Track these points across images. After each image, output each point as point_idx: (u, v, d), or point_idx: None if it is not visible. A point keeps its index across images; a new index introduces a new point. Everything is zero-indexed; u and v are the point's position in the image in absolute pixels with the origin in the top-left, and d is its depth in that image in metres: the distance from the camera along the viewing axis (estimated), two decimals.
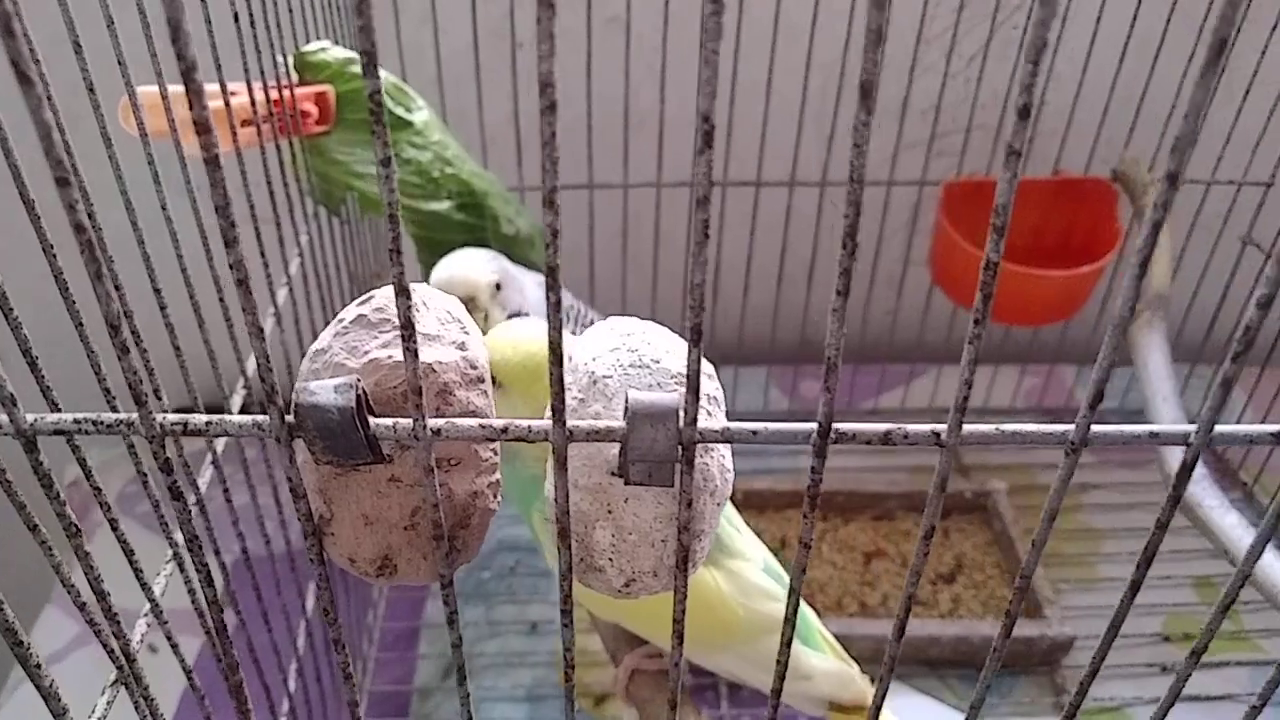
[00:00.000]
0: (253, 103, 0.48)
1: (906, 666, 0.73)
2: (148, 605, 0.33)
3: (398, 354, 0.24)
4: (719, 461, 0.25)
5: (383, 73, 0.59)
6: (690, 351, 0.22)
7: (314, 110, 0.55)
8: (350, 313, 0.25)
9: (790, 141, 0.79)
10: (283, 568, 0.49)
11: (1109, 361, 0.22)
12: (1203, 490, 0.66)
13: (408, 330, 0.21)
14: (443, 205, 0.60)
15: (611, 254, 0.85)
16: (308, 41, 0.57)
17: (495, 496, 0.26)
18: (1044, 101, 0.82)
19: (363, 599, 0.77)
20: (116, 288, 0.33)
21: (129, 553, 0.31)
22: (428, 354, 0.24)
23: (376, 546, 0.25)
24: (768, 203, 0.83)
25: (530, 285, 0.58)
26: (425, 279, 0.64)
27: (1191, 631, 0.76)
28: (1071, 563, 0.81)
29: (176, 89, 0.48)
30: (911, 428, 0.23)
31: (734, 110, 0.77)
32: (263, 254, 0.47)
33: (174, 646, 0.34)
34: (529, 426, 0.23)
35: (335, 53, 0.57)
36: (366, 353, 0.24)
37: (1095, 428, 0.23)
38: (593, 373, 0.25)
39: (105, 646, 0.28)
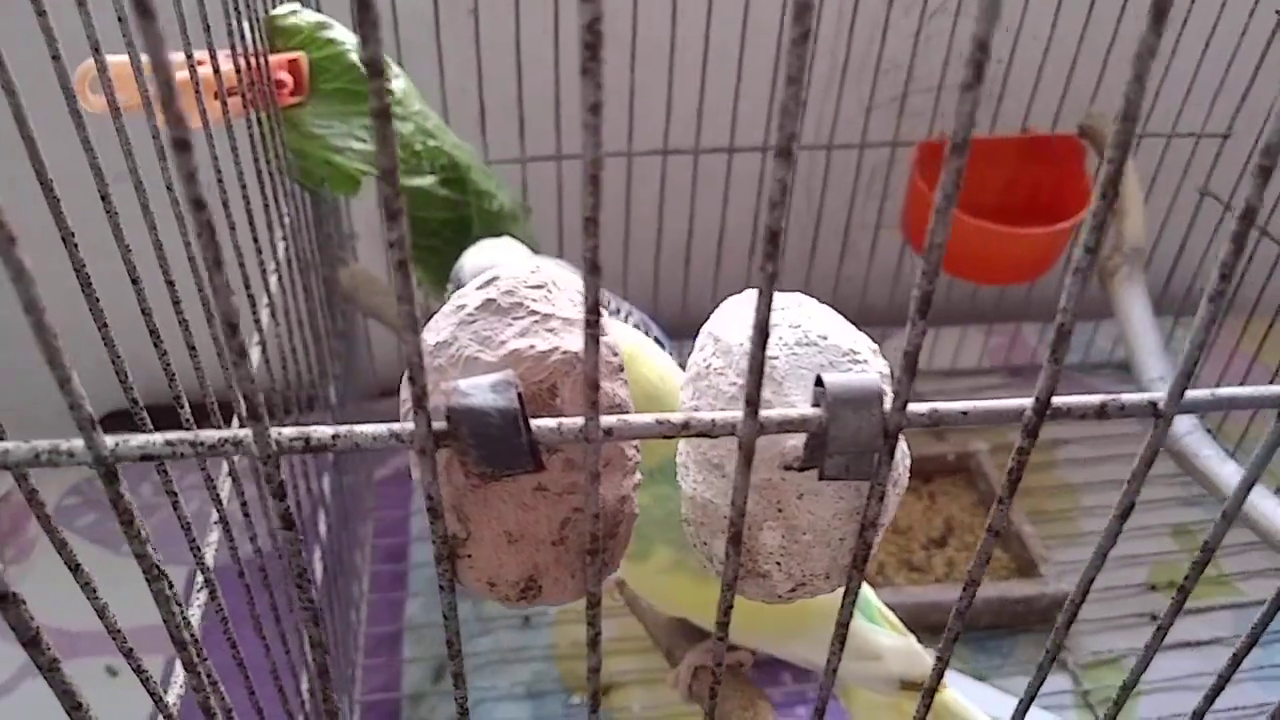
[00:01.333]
0: (217, 72, 0.43)
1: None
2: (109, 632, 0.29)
3: (540, 343, 0.21)
4: (902, 447, 0.22)
5: (355, 37, 0.55)
6: (915, 320, 0.19)
7: (288, 79, 0.50)
8: (473, 298, 0.21)
9: (765, 110, 0.77)
10: (275, 571, 0.45)
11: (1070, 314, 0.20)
12: (1197, 441, 0.67)
13: (594, 314, 0.17)
14: (426, 180, 0.56)
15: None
16: (276, 5, 0.52)
17: (637, 500, 0.23)
18: (1012, 59, 0.81)
19: (345, 601, 0.72)
20: (88, 287, 0.28)
21: (81, 576, 0.26)
22: (570, 341, 0.21)
23: (521, 566, 0.21)
24: (741, 167, 0.80)
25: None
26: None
27: (1175, 579, 0.77)
28: (1056, 519, 0.82)
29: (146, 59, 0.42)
30: (1127, 398, 0.21)
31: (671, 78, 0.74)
32: (255, 239, 0.42)
33: (146, 679, 0.30)
34: (713, 420, 0.19)
35: (307, 16, 0.52)
36: (503, 343, 0.21)
37: (1057, 400, 0.21)
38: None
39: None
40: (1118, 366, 0.98)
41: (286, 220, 0.49)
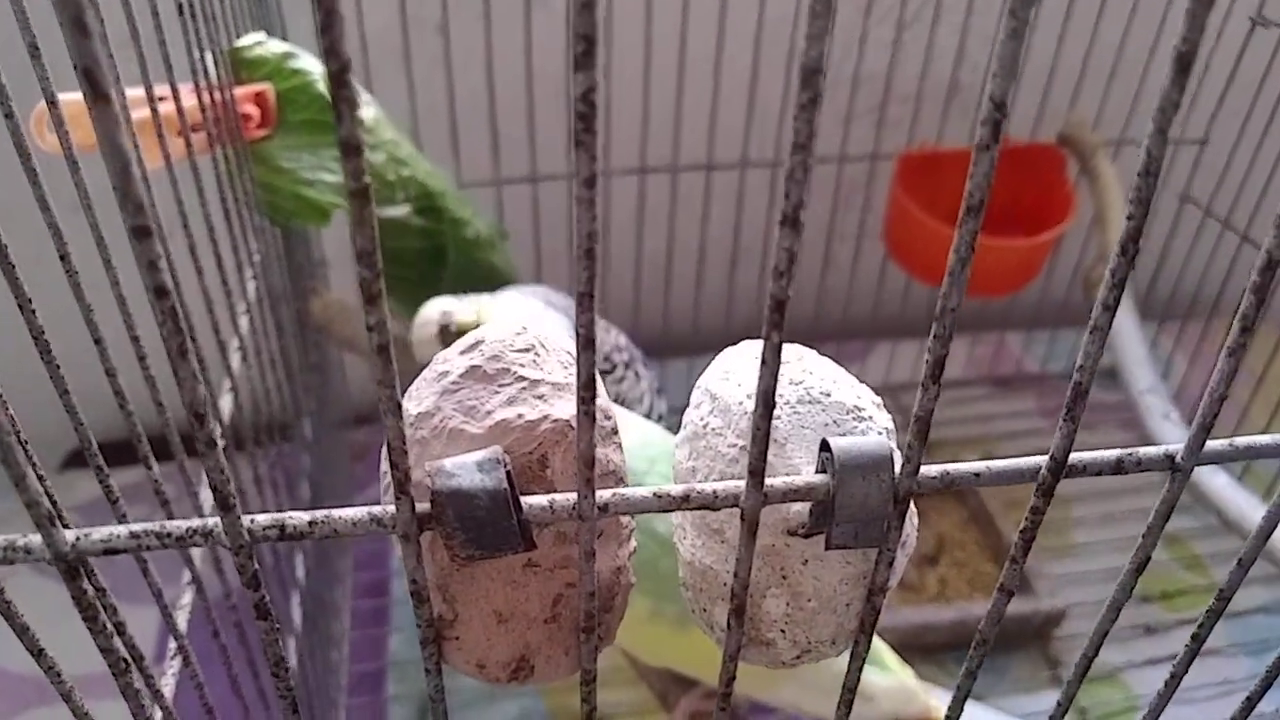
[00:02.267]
0: (180, 111, 0.41)
1: (904, 655, 0.71)
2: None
3: (528, 412, 0.20)
4: (911, 508, 0.21)
5: (318, 65, 0.53)
6: (927, 387, 0.18)
7: (255, 112, 0.49)
8: (456, 364, 0.20)
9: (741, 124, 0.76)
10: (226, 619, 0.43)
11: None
12: (1208, 469, 0.66)
13: (588, 391, 0.16)
14: (400, 210, 0.55)
15: (560, 245, 0.80)
16: (239, 36, 0.50)
17: (632, 569, 0.22)
18: (989, 67, 0.80)
19: (325, 640, 0.71)
20: (39, 334, 0.27)
21: (56, 678, 0.25)
22: (560, 408, 0.20)
23: (512, 647, 0.20)
24: (720, 186, 0.79)
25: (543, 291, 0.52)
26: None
27: (1169, 589, 0.77)
28: (1046, 529, 0.81)
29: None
30: (1144, 452, 0.20)
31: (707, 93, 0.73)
32: (224, 281, 0.41)
33: None
34: (714, 493, 0.18)
35: (273, 46, 0.50)
36: (489, 413, 0.19)
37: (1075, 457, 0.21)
38: (750, 413, 0.21)
39: None
40: (1105, 374, 0.98)
41: (256, 258, 0.47)
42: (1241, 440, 0.21)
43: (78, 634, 0.22)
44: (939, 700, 0.50)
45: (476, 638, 0.20)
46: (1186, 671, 0.25)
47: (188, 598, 0.33)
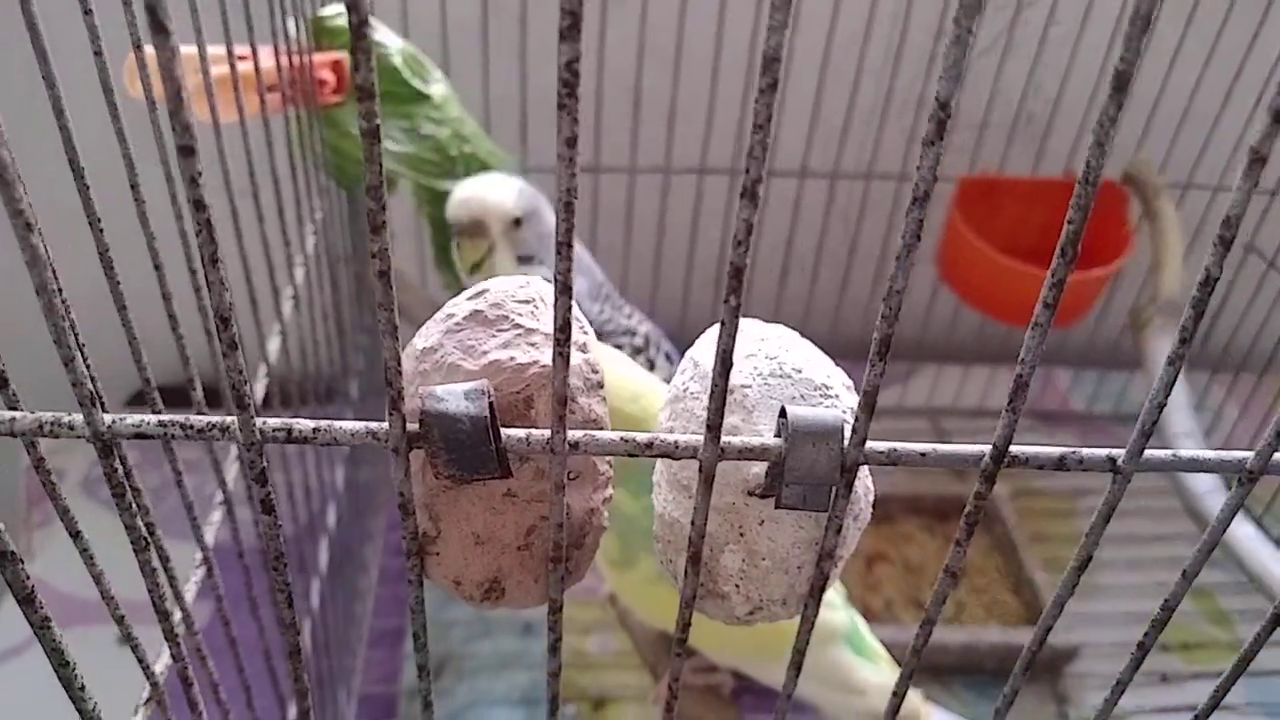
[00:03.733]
0: (257, 70, 0.44)
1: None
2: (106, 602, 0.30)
3: (520, 355, 0.22)
4: (865, 481, 0.23)
5: (401, 42, 0.56)
6: (873, 363, 0.19)
7: (330, 78, 0.51)
8: (462, 307, 0.22)
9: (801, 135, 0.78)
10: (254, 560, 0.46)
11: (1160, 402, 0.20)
12: (1217, 503, 0.66)
13: (564, 333, 0.18)
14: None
15: (614, 238, 0.83)
16: (323, 5, 0.53)
17: (607, 513, 0.24)
18: (1059, 100, 0.81)
19: (350, 592, 0.74)
20: (110, 270, 0.29)
21: (88, 558, 0.28)
22: (550, 356, 0.22)
23: (486, 568, 0.22)
24: (841, 194, 0.81)
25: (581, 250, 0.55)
26: (437, 261, 0.61)
27: (1189, 641, 0.76)
28: (1058, 570, 0.81)
29: (189, 49, 0.44)
30: (1086, 452, 0.21)
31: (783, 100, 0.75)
32: (284, 232, 0.44)
33: (141, 659, 0.31)
34: (675, 442, 0.20)
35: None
36: (485, 353, 0.21)
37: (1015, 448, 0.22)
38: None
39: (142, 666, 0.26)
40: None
41: (318, 215, 0.50)
42: (1185, 452, 0.22)
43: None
44: (933, 711, 0.51)
45: (455, 556, 0.22)
46: None
47: (217, 516, 0.36)
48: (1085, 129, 0.80)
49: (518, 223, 0.51)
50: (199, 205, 0.17)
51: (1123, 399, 0.96)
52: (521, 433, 0.20)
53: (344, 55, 0.53)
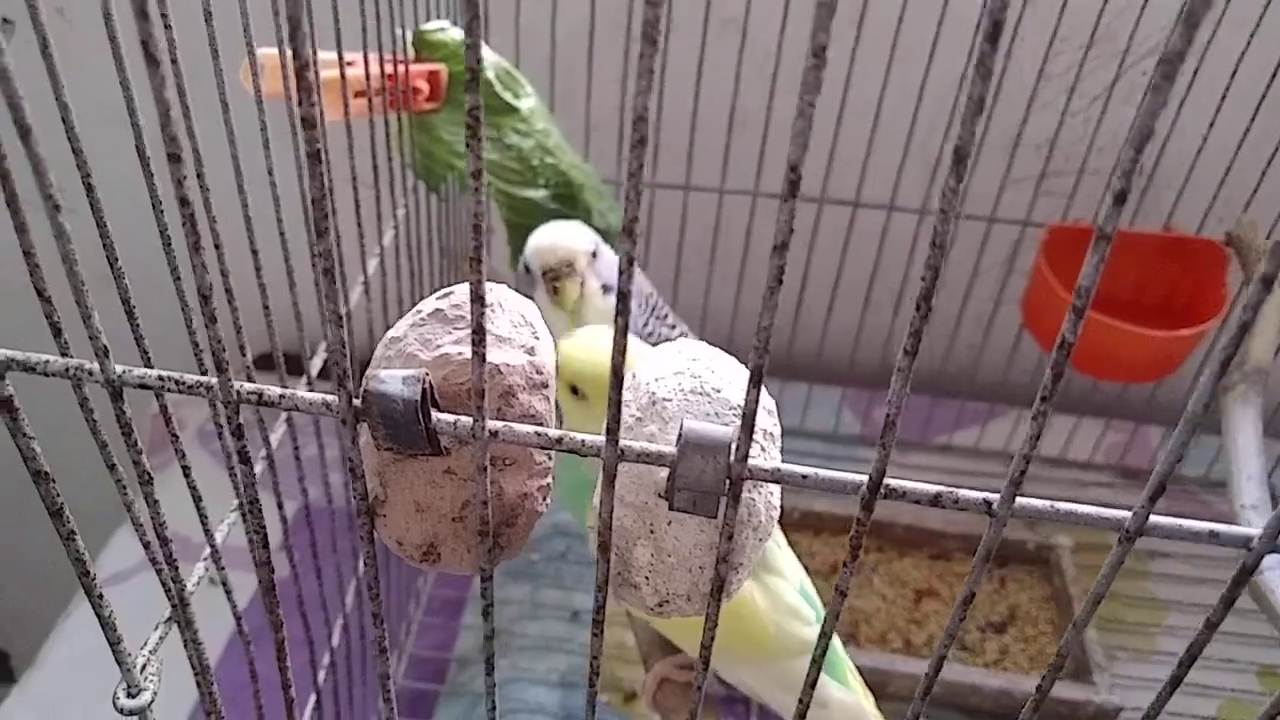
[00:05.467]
0: (367, 75, 0.49)
1: (945, 712, 0.72)
2: (208, 545, 0.35)
3: (469, 351, 0.25)
4: (766, 498, 0.25)
5: (494, 56, 0.61)
6: (749, 391, 0.22)
7: (425, 87, 0.56)
8: (429, 305, 0.26)
9: (894, 165, 0.78)
10: (342, 520, 0.51)
11: (1176, 457, 0.22)
12: (1277, 578, 0.64)
13: (478, 335, 0.21)
14: (538, 193, 0.61)
15: (701, 257, 0.85)
16: (429, 19, 0.58)
17: (544, 499, 0.26)
18: (1162, 153, 0.79)
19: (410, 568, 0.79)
20: (216, 246, 0.34)
21: (197, 499, 0.33)
22: (496, 355, 0.25)
23: (424, 533, 0.25)
24: (863, 224, 0.82)
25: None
26: (513, 262, 0.65)
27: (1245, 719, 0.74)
28: (1130, 630, 0.79)
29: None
30: (963, 493, 0.23)
31: (840, 128, 0.76)
32: (359, 224, 0.48)
33: (228, 592, 0.36)
34: (582, 440, 0.23)
35: (454, 33, 0.58)
36: (439, 347, 0.25)
37: (1154, 519, 0.23)
38: (653, 393, 0.25)
39: (164, 586, 0.30)
40: (1220, 484, 0.93)
41: (400, 211, 0.55)
42: (1063, 505, 0.23)
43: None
44: None
45: (398, 519, 0.25)
46: None
47: (260, 468, 0.41)
48: (1188, 186, 0.78)
49: (594, 255, 0.54)
50: (184, 201, 0.21)
51: (1214, 465, 0.92)
52: (450, 418, 0.23)
53: (441, 66, 0.57)
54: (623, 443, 0.23)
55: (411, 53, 0.57)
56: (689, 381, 0.25)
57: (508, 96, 0.60)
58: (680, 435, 0.23)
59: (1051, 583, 0.80)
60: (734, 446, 0.23)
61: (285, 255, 0.40)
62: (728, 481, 0.23)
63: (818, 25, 0.17)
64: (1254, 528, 0.70)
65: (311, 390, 0.25)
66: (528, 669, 0.73)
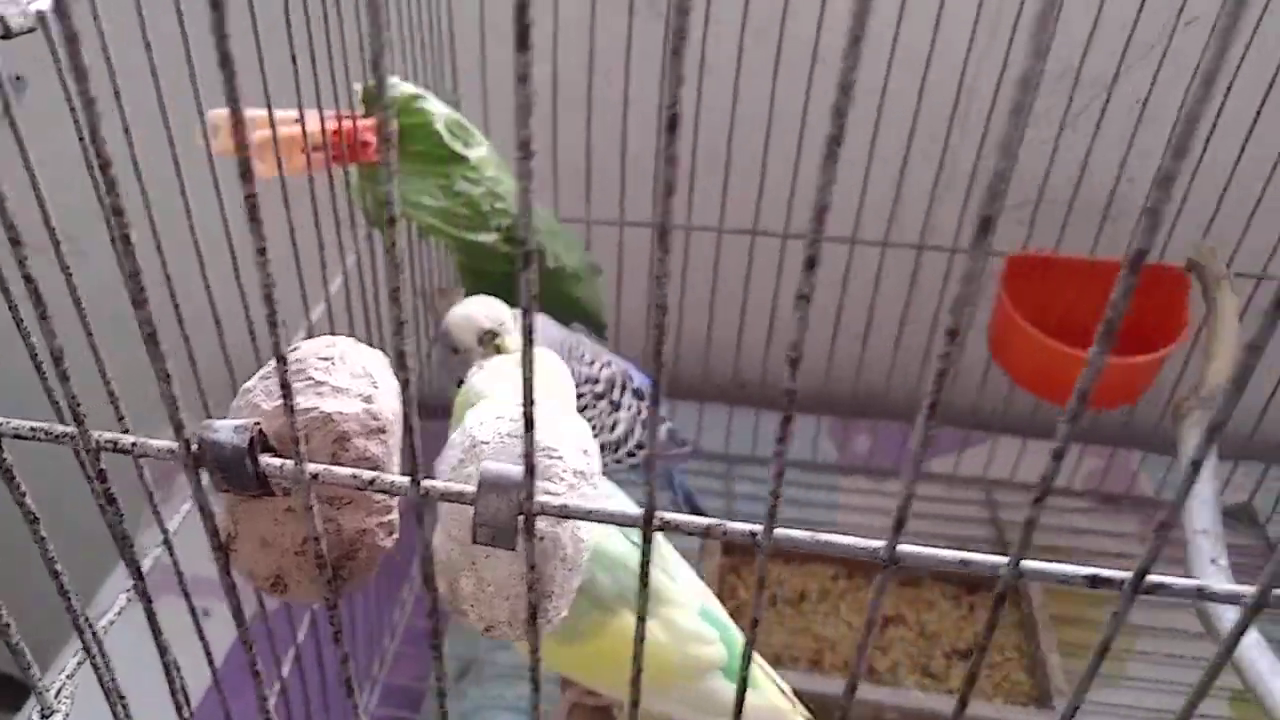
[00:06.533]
0: (304, 132, 0.53)
1: None
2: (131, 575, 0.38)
3: (304, 402, 0.27)
4: (572, 531, 0.27)
5: (445, 109, 0.64)
6: (527, 437, 0.24)
7: (373, 140, 0.59)
8: (276, 361, 0.28)
9: (855, 201, 0.80)
10: None
11: (908, 494, 0.23)
12: (1257, 651, 0.64)
13: (285, 389, 0.24)
14: (490, 237, 0.64)
15: (640, 285, 0.88)
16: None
17: (388, 535, 0.29)
18: (1117, 183, 0.80)
19: (390, 598, 0.82)
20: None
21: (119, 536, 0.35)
22: (331, 405, 0.28)
23: (270, 566, 0.28)
24: (829, 256, 0.84)
25: (540, 319, 0.61)
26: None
27: None
28: (1086, 655, 0.79)
29: (254, 113, 0.53)
30: (731, 525, 0.25)
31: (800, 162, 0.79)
32: (299, 274, 0.51)
33: (152, 617, 0.39)
34: (392, 481, 0.25)
35: (403, 88, 0.61)
36: (279, 398, 0.27)
37: (903, 548, 0.25)
38: (474, 437, 0.28)
39: (71, 616, 0.33)
40: (1226, 511, 0.93)
41: (351, 258, 0.58)
42: (823, 535, 0.25)
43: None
44: None
45: (247, 553, 0.28)
46: None
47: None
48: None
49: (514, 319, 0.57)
50: (134, 276, 0.24)
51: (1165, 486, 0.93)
52: (277, 461, 0.26)
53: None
54: (426, 483, 0.25)
55: (361, 109, 0.60)
56: (506, 425, 0.28)
57: (457, 146, 0.63)
58: (479, 476, 0.25)
59: (1019, 609, 0.80)
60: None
61: (213, 307, 0.43)
62: (521, 518, 0.25)
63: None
64: (1208, 552, 0.70)
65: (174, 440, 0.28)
66: (499, 696, 0.76)
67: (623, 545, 0.45)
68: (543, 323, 0.62)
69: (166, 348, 0.24)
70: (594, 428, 0.58)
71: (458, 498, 0.25)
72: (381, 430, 0.28)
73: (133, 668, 0.35)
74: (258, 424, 0.26)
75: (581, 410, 0.59)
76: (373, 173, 0.61)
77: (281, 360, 0.23)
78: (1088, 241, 0.83)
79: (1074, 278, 0.82)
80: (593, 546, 0.44)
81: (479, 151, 0.64)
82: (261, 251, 0.22)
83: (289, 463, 0.26)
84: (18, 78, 0.92)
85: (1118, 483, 0.94)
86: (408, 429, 0.25)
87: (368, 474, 0.26)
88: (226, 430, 0.25)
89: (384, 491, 0.25)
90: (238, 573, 0.29)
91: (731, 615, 0.77)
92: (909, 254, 0.84)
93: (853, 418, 0.98)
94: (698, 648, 0.45)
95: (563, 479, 0.27)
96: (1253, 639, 0.62)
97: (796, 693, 0.54)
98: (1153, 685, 0.77)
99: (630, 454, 0.63)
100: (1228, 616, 0.64)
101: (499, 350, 0.56)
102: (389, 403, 0.29)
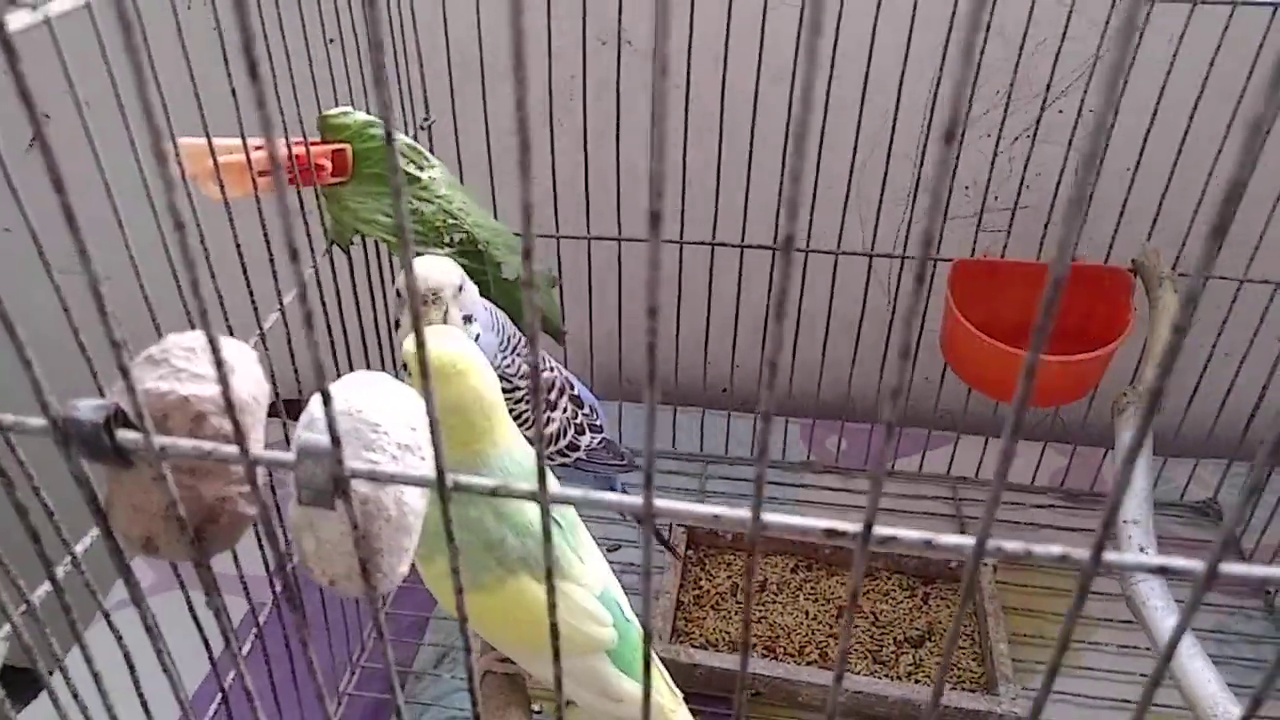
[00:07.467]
0: (247, 159, 0.58)
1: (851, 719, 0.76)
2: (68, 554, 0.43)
3: (164, 386, 0.32)
4: (396, 495, 0.32)
5: (399, 136, 0.69)
6: (326, 410, 0.28)
7: (328, 164, 0.65)
8: (144, 353, 0.33)
9: (820, 208, 0.84)
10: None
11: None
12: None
13: (124, 373, 0.29)
14: (442, 251, 0.69)
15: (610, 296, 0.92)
16: (335, 106, 0.67)
17: (250, 504, 0.33)
18: (1057, 186, 0.83)
19: None
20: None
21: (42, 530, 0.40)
22: (190, 388, 0.32)
23: (142, 529, 0.33)
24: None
25: (480, 302, 0.65)
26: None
27: None
28: (1037, 644, 0.82)
29: (220, 141, 0.58)
30: (726, 513, 0.29)
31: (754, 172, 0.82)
32: (250, 289, 0.56)
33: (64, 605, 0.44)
34: (229, 452, 0.30)
35: (356, 116, 0.66)
36: (144, 382, 0.32)
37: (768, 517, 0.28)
38: (311, 413, 0.32)
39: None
40: (1192, 508, 0.94)
41: (307, 272, 0.63)
42: (806, 520, 0.29)
43: None
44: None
45: (121, 517, 0.33)
46: None
47: None
48: (1098, 216, 0.82)
49: (460, 288, 0.61)
50: (97, 294, 0.29)
51: (1161, 481, 0.94)
52: (133, 435, 0.30)
53: (345, 145, 0.66)
54: (253, 452, 0.30)
55: (316, 135, 0.65)
56: (342, 403, 0.32)
57: (411, 168, 0.68)
58: (297, 445, 0.29)
59: (972, 598, 0.83)
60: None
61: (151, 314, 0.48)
62: (334, 481, 0.29)
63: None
64: (1138, 540, 0.74)
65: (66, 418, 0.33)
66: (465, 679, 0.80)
67: (536, 516, 0.50)
68: (502, 318, 0.66)
69: (26, 337, 0.28)
70: (524, 421, 0.62)
71: (282, 465, 0.30)
72: (239, 410, 0.33)
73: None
74: (115, 403, 0.30)
75: (517, 402, 0.63)
76: (334, 193, 0.66)
77: (118, 345, 0.28)
78: (1033, 246, 0.85)
79: (1019, 281, 0.84)
80: (509, 512, 0.49)
81: (431, 173, 0.69)
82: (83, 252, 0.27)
83: (140, 437, 0.30)
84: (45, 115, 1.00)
85: (1081, 479, 0.96)
86: (239, 409, 0.29)
87: (207, 445, 0.30)
88: (88, 409, 0.30)
89: (222, 461, 0.30)
90: (115, 534, 0.34)
91: (694, 604, 0.80)
92: (860, 261, 0.88)
93: (821, 417, 1.01)
94: (589, 625, 0.49)
95: (385, 450, 0.32)
96: (1174, 622, 0.65)
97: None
98: (1104, 676, 0.79)
99: (561, 453, 0.67)
100: (1156, 605, 0.66)
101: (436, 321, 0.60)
102: (247, 386, 0.33)
